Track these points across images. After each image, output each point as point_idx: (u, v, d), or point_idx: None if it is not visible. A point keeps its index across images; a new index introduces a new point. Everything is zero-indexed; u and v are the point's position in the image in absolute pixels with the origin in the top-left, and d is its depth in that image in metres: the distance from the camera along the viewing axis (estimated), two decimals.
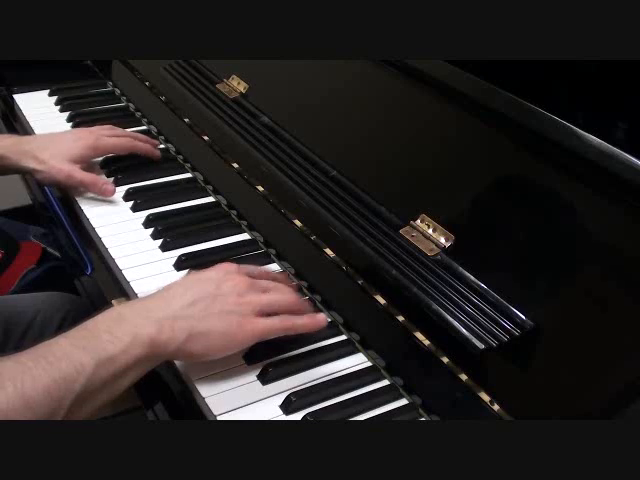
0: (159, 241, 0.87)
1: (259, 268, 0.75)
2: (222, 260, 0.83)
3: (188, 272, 0.73)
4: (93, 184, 0.95)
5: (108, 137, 1.00)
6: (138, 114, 1.18)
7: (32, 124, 1.14)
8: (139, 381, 0.65)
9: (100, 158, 1.02)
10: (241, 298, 0.67)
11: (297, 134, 0.91)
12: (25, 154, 0.94)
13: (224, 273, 0.69)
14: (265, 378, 0.69)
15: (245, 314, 0.67)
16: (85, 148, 0.96)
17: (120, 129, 1.05)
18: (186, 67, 1.12)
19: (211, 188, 0.98)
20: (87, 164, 0.98)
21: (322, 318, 0.71)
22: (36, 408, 0.56)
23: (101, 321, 0.63)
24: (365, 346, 0.73)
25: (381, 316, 0.73)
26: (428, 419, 0.66)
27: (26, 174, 0.99)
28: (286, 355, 0.72)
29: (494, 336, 0.64)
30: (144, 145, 1.02)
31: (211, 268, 0.71)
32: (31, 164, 0.94)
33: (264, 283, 0.71)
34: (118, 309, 0.65)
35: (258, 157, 0.92)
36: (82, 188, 0.95)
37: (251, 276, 0.71)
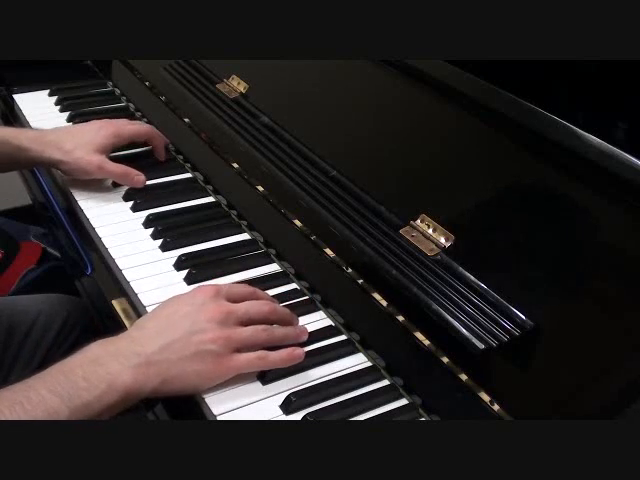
0: (159, 241, 0.87)
1: (240, 288, 0.73)
2: (222, 260, 0.84)
3: (163, 303, 0.70)
4: (125, 175, 0.95)
5: (128, 124, 1.01)
6: (138, 114, 1.18)
7: (32, 124, 1.14)
8: None
9: (110, 151, 1.02)
10: (216, 334, 0.65)
11: (297, 134, 0.91)
12: (49, 145, 0.94)
13: (200, 304, 0.67)
14: (265, 378, 0.69)
15: (220, 352, 0.65)
16: (109, 137, 0.97)
17: (138, 121, 1.06)
18: (186, 67, 1.12)
19: (211, 188, 0.98)
20: (109, 152, 0.98)
21: (300, 353, 0.69)
22: None
23: (78, 365, 0.62)
24: (365, 346, 0.73)
25: (381, 316, 0.73)
26: (428, 419, 0.66)
27: (51, 166, 0.98)
28: None
29: (494, 336, 0.64)
30: (160, 138, 1.03)
31: (188, 295, 0.69)
32: (56, 155, 0.93)
33: (242, 308, 0.69)
34: (95, 350, 0.64)
35: (258, 157, 0.92)
36: (112, 179, 0.96)
37: (231, 298, 0.70)
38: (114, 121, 1.01)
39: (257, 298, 0.73)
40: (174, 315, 0.67)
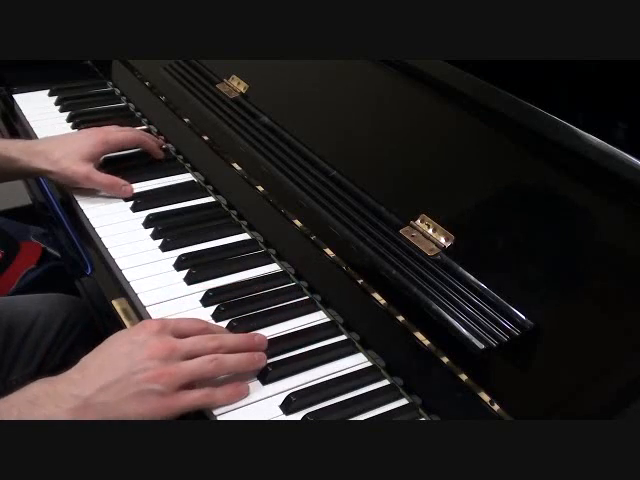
0: (159, 241, 0.87)
1: (189, 322, 0.70)
2: (222, 260, 0.84)
3: (106, 340, 0.66)
4: (112, 186, 0.94)
5: (117, 132, 1.00)
6: (138, 114, 1.18)
7: (32, 124, 1.14)
8: None
9: (100, 159, 1.03)
10: (158, 372, 0.62)
11: (297, 134, 0.91)
12: (37, 155, 0.94)
13: (142, 341, 0.64)
14: (265, 378, 0.69)
15: (163, 391, 0.62)
16: (96, 145, 0.96)
17: (127, 127, 1.05)
18: (186, 67, 1.12)
19: (211, 188, 0.98)
20: (98, 160, 0.98)
21: (244, 388, 0.66)
22: None
23: (15, 404, 0.60)
24: (365, 346, 0.73)
25: (381, 316, 0.73)
26: (428, 419, 0.66)
27: (40, 176, 0.99)
28: (286, 355, 0.71)
29: (494, 336, 0.64)
30: (151, 141, 1.02)
31: (131, 332, 0.67)
32: (43, 165, 0.93)
33: (187, 344, 0.65)
34: (33, 390, 0.61)
35: (258, 157, 0.92)
36: (100, 189, 0.95)
37: (178, 334, 0.66)
38: (103, 129, 1.01)
39: (207, 334, 0.69)
40: (115, 354, 0.64)
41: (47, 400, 0.60)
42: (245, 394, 0.67)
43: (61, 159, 0.93)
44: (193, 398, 0.64)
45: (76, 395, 0.61)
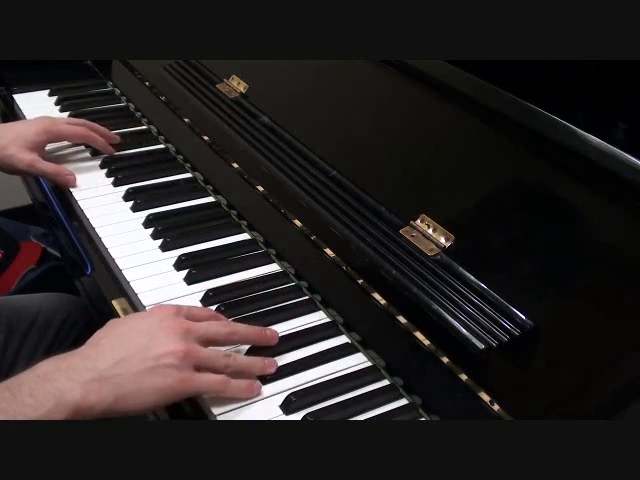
0: (159, 241, 0.87)
1: (201, 310, 0.71)
2: (222, 260, 0.84)
3: (118, 321, 0.67)
4: (56, 174, 0.96)
5: (63, 124, 1.01)
6: (138, 114, 1.18)
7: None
8: None
9: (99, 160, 1.03)
10: (176, 348, 0.63)
11: (297, 134, 0.91)
12: None
13: (158, 320, 0.65)
14: (265, 378, 0.69)
15: (181, 367, 0.62)
16: (39, 133, 0.97)
17: (80, 119, 1.06)
18: (186, 67, 1.12)
19: (211, 188, 0.98)
20: (43, 149, 0.99)
21: (258, 387, 0.67)
22: None
23: (25, 381, 0.59)
24: (365, 346, 0.73)
25: (381, 316, 0.73)
26: (428, 419, 0.66)
27: None
28: (286, 355, 0.71)
29: (494, 336, 0.64)
30: (100, 139, 1.02)
31: (146, 313, 0.67)
32: None
33: (202, 327, 0.67)
34: (45, 366, 0.60)
35: (258, 157, 0.92)
36: (44, 177, 0.97)
37: (191, 319, 0.67)
38: (50, 118, 1.02)
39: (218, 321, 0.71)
40: (130, 332, 0.64)
41: (59, 374, 0.59)
42: (256, 394, 0.67)
43: (7, 146, 0.94)
44: (209, 380, 0.64)
45: (91, 368, 0.60)
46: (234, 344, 0.70)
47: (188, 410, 0.67)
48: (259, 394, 0.67)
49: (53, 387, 0.58)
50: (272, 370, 0.69)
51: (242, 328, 0.70)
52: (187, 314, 0.68)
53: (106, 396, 0.59)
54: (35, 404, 0.57)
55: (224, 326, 0.69)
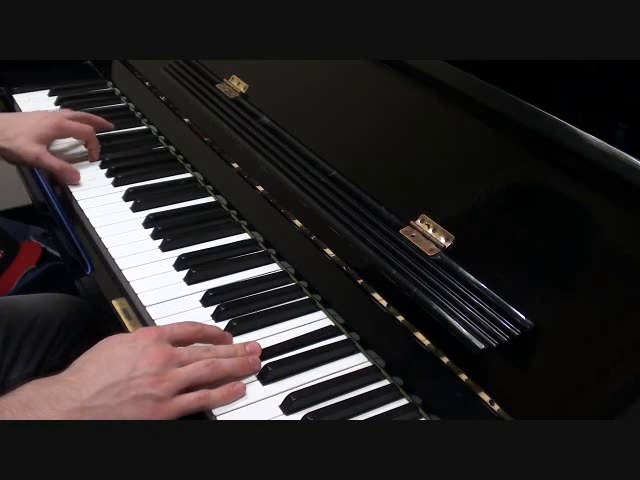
0: (159, 241, 0.87)
1: (185, 329, 0.70)
2: (222, 260, 0.84)
3: (102, 344, 0.66)
4: (61, 170, 0.96)
5: (71, 120, 1.01)
6: (138, 114, 1.18)
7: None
8: None
9: (99, 161, 1.03)
10: (157, 378, 0.63)
11: (297, 134, 0.91)
12: None
13: (142, 348, 0.65)
14: (265, 378, 0.69)
15: (161, 396, 0.62)
16: (49, 127, 0.97)
17: (79, 112, 1.07)
18: (186, 67, 1.12)
19: (211, 188, 0.98)
20: (50, 143, 0.99)
21: (240, 387, 0.67)
22: None
23: (8, 407, 0.58)
24: (365, 346, 0.73)
25: (381, 316, 0.73)
26: (428, 419, 0.66)
27: None
28: (286, 355, 0.71)
29: (494, 336, 0.64)
30: (94, 149, 1.03)
31: (130, 337, 0.67)
32: None
33: (185, 353, 0.66)
34: (27, 392, 0.60)
35: (258, 157, 0.92)
36: (49, 171, 0.97)
37: (175, 341, 0.67)
38: (59, 114, 1.03)
39: (203, 337, 0.70)
40: (114, 359, 0.64)
41: (42, 402, 0.59)
42: (241, 393, 0.67)
43: (15, 137, 0.94)
44: (189, 400, 0.64)
45: (73, 398, 0.60)
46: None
47: None
48: (243, 394, 0.67)
49: (35, 415, 0.58)
50: (257, 367, 0.69)
51: (222, 349, 0.70)
52: (170, 336, 0.67)
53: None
54: None
55: (206, 350, 0.69)
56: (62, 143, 1.05)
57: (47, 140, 0.98)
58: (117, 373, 0.62)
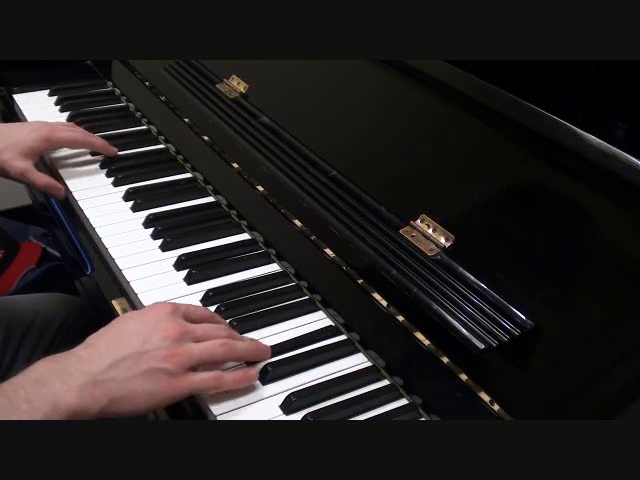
0: (159, 241, 0.87)
1: (199, 309, 0.71)
2: (222, 260, 0.84)
3: (115, 320, 0.67)
4: (46, 187, 0.95)
5: (62, 131, 1.00)
6: (138, 114, 1.18)
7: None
8: None
9: (99, 161, 1.03)
10: (170, 352, 0.62)
11: (297, 134, 0.91)
12: None
13: (154, 322, 0.64)
14: (265, 378, 0.69)
15: (173, 371, 0.62)
16: (38, 140, 0.96)
17: (77, 127, 1.05)
18: (186, 67, 1.12)
19: (211, 188, 0.98)
20: (38, 156, 0.98)
21: (254, 373, 0.67)
22: None
23: (21, 385, 0.59)
24: (365, 346, 0.73)
25: (381, 316, 0.73)
26: (428, 419, 0.66)
27: None
28: (286, 355, 0.72)
29: (494, 336, 0.64)
30: (99, 141, 1.02)
31: (142, 312, 0.67)
32: None
33: (199, 329, 0.66)
34: (39, 369, 0.60)
35: (258, 157, 0.92)
36: (34, 187, 0.96)
37: (189, 318, 0.67)
38: (49, 125, 1.00)
39: (215, 322, 0.70)
40: (125, 332, 0.64)
41: (54, 377, 0.59)
42: (254, 379, 0.67)
43: (2, 151, 0.93)
44: (202, 379, 0.64)
45: (85, 371, 0.60)
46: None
47: (188, 410, 0.67)
48: (256, 379, 0.67)
49: (48, 391, 0.58)
50: (268, 355, 0.70)
51: (238, 336, 0.70)
52: (184, 313, 0.67)
53: (101, 400, 0.60)
54: (31, 409, 0.57)
55: (223, 329, 0.69)
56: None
57: (34, 153, 0.96)
58: (128, 347, 0.62)
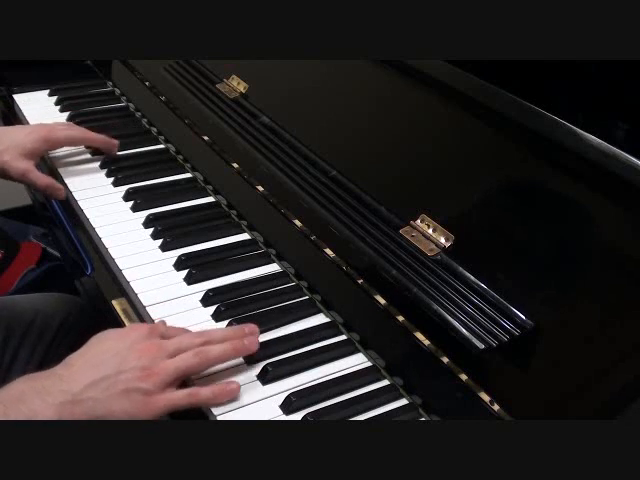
0: (159, 241, 0.87)
1: (175, 328, 0.71)
2: (222, 260, 0.84)
3: (93, 339, 0.67)
4: (47, 187, 0.95)
5: (60, 130, 1.00)
6: (138, 114, 1.18)
7: (32, 124, 1.14)
8: None
9: (99, 161, 1.03)
10: (146, 372, 0.63)
11: (297, 134, 0.91)
12: None
13: (132, 343, 0.65)
14: (265, 378, 0.69)
15: (150, 390, 0.62)
16: (37, 141, 0.96)
17: (75, 125, 1.05)
18: (186, 67, 1.12)
19: (211, 188, 0.98)
20: (39, 157, 0.98)
21: (234, 387, 0.66)
22: None
23: (1, 402, 0.59)
24: (365, 346, 0.73)
25: (381, 316, 0.73)
26: (428, 419, 0.66)
27: None
28: (286, 355, 0.71)
29: (494, 336, 0.64)
30: (99, 137, 1.02)
31: (120, 333, 0.67)
32: None
33: (172, 343, 0.66)
34: (20, 386, 0.61)
35: (258, 157, 0.92)
36: (34, 188, 0.96)
37: (165, 337, 0.68)
38: (47, 126, 1.01)
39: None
40: (104, 353, 0.65)
41: (34, 395, 0.60)
42: (235, 394, 0.66)
43: (2, 152, 0.93)
44: (178, 397, 0.64)
45: (64, 390, 0.61)
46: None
47: (188, 410, 0.67)
48: (237, 392, 0.66)
49: (27, 408, 0.59)
50: (254, 348, 0.69)
51: (217, 334, 0.69)
52: (162, 333, 0.68)
53: (79, 418, 0.60)
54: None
55: (197, 336, 0.68)
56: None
57: (34, 154, 0.96)
58: (106, 367, 0.63)
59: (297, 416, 0.65)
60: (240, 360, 0.70)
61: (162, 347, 0.66)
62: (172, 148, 1.07)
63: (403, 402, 0.68)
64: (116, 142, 1.03)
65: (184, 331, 0.71)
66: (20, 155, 0.94)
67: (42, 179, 0.95)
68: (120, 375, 0.63)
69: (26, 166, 0.94)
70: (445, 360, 0.67)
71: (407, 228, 0.75)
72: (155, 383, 0.63)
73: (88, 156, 1.04)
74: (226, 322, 0.75)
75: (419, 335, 0.70)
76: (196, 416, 0.66)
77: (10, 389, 0.61)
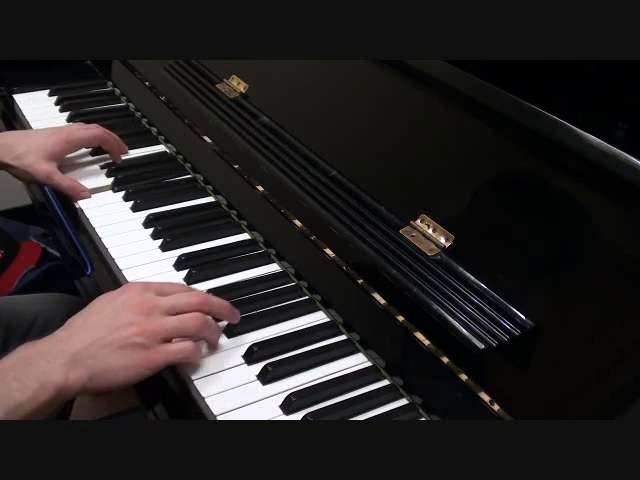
0: (159, 241, 0.87)
1: (170, 284, 0.73)
2: (222, 260, 0.84)
3: (92, 302, 0.70)
4: (71, 189, 0.95)
5: (79, 130, 1.00)
6: (138, 114, 1.18)
7: (32, 124, 1.14)
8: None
9: (100, 161, 1.03)
10: (141, 326, 0.65)
11: (297, 134, 0.91)
12: (0, 148, 0.94)
13: (126, 299, 0.67)
14: (265, 378, 0.69)
15: (146, 344, 0.65)
16: (59, 143, 0.97)
17: (91, 125, 1.04)
18: (186, 67, 1.12)
19: (211, 188, 0.98)
20: (61, 159, 0.98)
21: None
22: None
23: (10, 367, 0.62)
24: (365, 346, 0.73)
25: (381, 316, 0.73)
26: (428, 419, 0.66)
27: (0, 169, 0.98)
28: (286, 355, 0.72)
29: (494, 336, 0.64)
30: (114, 143, 1.02)
31: (116, 292, 0.69)
32: (6, 159, 0.94)
33: (169, 300, 0.68)
34: (25, 351, 0.63)
35: (258, 157, 0.92)
36: (59, 190, 0.96)
37: (160, 294, 0.69)
38: (66, 128, 1.02)
39: (208, 310, 0.71)
40: (100, 313, 0.67)
41: (39, 358, 0.62)
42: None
43: (24, 155, 0.94)
44: (176, 351, 0.67)
45: (65, 350, 0.63)
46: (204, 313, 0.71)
47: (188, 410, 0.67)
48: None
49: (36, 370, 0.61)
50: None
51: (214, 299, 0.72)
52: (157, 290, 0.69)
53: (81, 376, 0.62)
54: (21, 387, 0.60)
55: (195, 295, 0.71)
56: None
57: (58, 156, 0.97)
58: (102, 326, 0.65)
59: (297, 416, 0.65)
60: (240, 360, 0.70)
61: (158, 303, 0.68)
62: (172, 148, 1.07)
63: (403, 402, 0.68)
64: (126, 148, 1.04)
65: (180, 287, 0.73)
66: (43, 158, 0.94)
67: (66, 181, 0.95)
68: (116, 332, 0.65)
69: (49, 168, 0.94)
70: (445, 360, 0.67)
71: (407, 228, 0.75)
72: (151, 337, 0.65)
73: (88, 157, 1.04)
74: (226, 322, 0.74)
75: (419, 335, 0.70)
76: (196, 416, 0.66)
77: (14, 354, 0.63)
